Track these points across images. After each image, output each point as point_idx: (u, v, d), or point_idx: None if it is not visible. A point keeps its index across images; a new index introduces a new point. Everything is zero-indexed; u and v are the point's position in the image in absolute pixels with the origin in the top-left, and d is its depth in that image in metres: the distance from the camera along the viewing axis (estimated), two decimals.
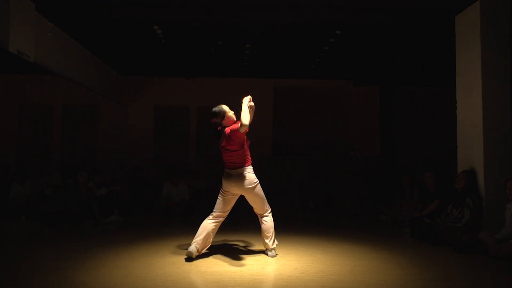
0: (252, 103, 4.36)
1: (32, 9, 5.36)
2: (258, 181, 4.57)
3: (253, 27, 6.72)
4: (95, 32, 6.91)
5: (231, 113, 4.53)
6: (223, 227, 5.21)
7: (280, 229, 6.43)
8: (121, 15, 6.12)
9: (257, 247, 4.98)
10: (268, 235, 4.59)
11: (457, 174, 5.65)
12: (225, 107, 4.54)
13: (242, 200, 4.74)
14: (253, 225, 5.46)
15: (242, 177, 4.46)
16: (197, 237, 4.48)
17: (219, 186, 4.60)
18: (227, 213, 4.66)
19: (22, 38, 5.08)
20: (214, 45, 7.54)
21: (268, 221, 4.61)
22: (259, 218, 4.66)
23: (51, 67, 6.24)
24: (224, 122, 4.50)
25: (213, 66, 9.13)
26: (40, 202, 7.48)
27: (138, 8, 5.97)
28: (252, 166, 4.59)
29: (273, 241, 4.61)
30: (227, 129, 4.40)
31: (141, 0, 5.72)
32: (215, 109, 4.52)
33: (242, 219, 6.34)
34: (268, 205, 4.67)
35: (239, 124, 4.24)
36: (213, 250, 4.83)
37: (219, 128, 4.56)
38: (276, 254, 4.60)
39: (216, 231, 4.61)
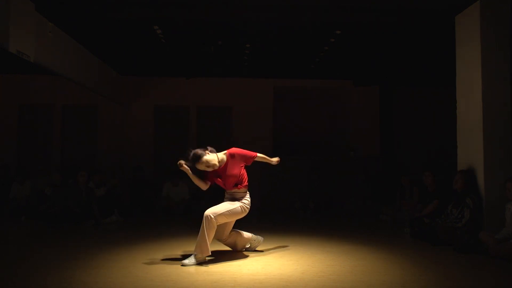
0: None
1: (32, 9, 5.36)
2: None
3: (253, 27, 6.72)
4: (95, 32, 6.91)
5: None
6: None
7: (280, 229, 6.46)
8: (121, 15, 6.12)
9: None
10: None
11: (455, 176, 5.62)
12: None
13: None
14: (253, 224, 5.47)
15: None
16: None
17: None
18: None
19: (22, 38, 5.08)
20: (214, 45, 7.54)
21: None
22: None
23: (51, 67, 6.24)
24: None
25: (213, 66, 9.13)
26: (40, 202, 7.50)
27: (138, 8, 5.96)
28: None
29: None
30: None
31: (141, 0, 5.72)
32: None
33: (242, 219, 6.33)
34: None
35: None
36: (213, 250, 4.82)
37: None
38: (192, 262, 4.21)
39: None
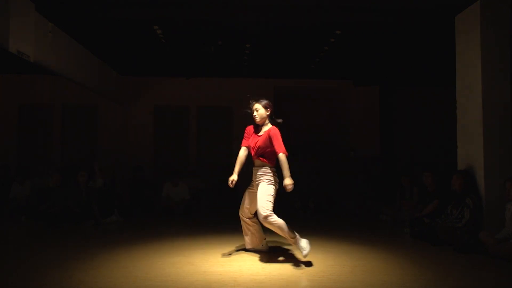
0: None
1: (32, 9, 5.36)
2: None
3: (253, 27, 6.72)
4: (95, 32, 6.91)
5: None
6: (223, 228, 5.22)
7: None
8: (121, 15, 6.12)
9: None
10: None
11: (452, 177, 5.61)
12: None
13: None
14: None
15: None
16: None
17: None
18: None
19: (22, 38, 5.08)
20: (214, 45, 7.54)
21: None
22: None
23: (51, 67, 6.23)
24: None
25: (213, 66, 9.13)
26: (40, 202, 7.48)
27: (138, 8, 5.96)
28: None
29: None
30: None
31: (141, 0, 5.72)
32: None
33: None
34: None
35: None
36: (213, 250, 4.83)
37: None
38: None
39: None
